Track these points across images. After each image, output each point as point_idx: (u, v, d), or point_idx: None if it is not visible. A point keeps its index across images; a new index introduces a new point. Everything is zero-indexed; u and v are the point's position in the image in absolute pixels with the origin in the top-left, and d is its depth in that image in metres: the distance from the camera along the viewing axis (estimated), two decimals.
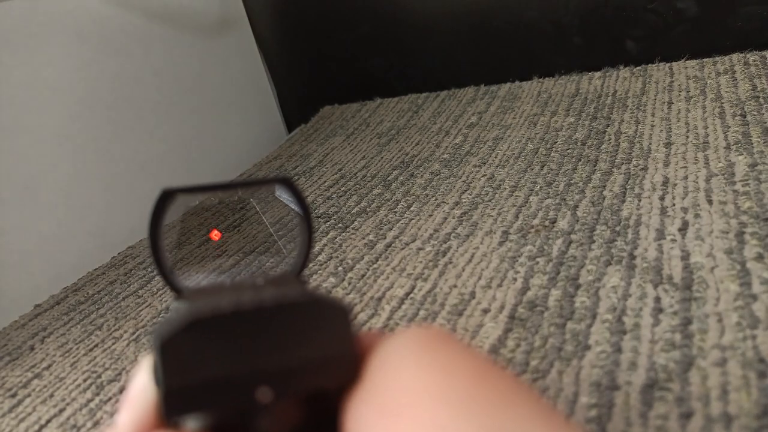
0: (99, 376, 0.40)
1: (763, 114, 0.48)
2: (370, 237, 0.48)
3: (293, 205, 0.18)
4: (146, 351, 0.41)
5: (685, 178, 0.42)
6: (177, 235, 0.57)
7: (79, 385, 0.40)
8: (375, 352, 0.15)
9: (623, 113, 0.57)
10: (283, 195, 0.18)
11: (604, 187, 0.45)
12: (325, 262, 0.46)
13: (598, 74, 0.68)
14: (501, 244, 0.41)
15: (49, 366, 0.43)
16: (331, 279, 0.43)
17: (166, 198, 0.17)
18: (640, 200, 0.41)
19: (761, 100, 0.50)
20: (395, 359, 0.14)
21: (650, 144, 0.49)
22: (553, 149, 0.54)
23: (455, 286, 0.38)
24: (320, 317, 0.14)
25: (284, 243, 0.45)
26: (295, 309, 0.14)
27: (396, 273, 0.42)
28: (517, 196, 0.47)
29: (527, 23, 0.72)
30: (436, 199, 0.51)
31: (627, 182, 0.44)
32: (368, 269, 0.43)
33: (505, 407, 0.12)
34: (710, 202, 0.39)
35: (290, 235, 0.47)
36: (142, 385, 0.15)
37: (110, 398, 0.38)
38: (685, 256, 0.34)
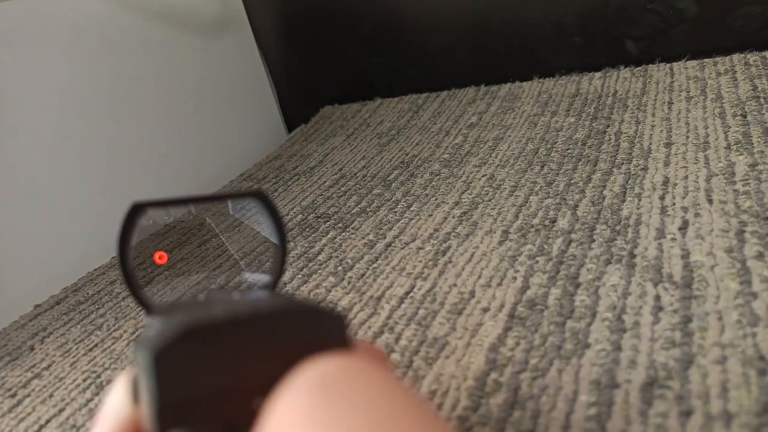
0: (99, 376, 0.40)
1: (764, 114, 0.48)
2: (370, 237, 0.48)
3: (267, 219, 0.18)
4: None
5: (686, 177, 0.42)
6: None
7: (78, 385, 0.40)
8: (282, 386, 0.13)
9: (623, 113, 0.56)
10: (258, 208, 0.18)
11: (605, 186, 0.45)
12: (325, 262, 0.46)
13: (598, 74, 0.68)
14: (501, 243, 0.41)
15: (49, 366, 0.43)
16: (331, 278, 0.43)
17: (136, 211, 0.17)
18: (640, 200, 0.41)
19: (762, 100, 0.50)
20: (285, 398, 0.13)
21: (650, 144, 0.49)
22: (554, 149, 0.54)
23: (455, 285, 0.38)
24: (316, 325, 0.14)
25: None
26: (290, 317, 0.14)
27: (396, 272, 0.42)
28: (517, 195, 0.47)
29: (527, 23, 0.72)
30: (436, 199, 0.51)
31: (627, 182, 0.44)
32: (368, 269, 0.43)
33: None
34: (710, 201, 0.39)
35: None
36: (117, 402, 0.14)
37: None
38: (685, 255, 0.34)
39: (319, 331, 0.14)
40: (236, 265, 0.49)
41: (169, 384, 0.12)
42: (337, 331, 0.14)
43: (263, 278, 0.18)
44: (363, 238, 0.48)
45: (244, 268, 0.44)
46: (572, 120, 0.58)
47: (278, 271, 0.18)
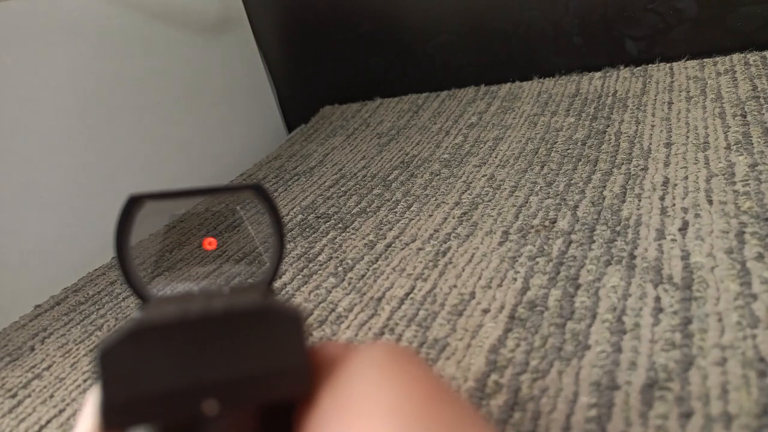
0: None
1: (764, 114, 0.48)
2: (370, 237, 0.48)
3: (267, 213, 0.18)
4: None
5: (686, 178, 0.42)
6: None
7: (79, 386, 0.40)
8: (339, 366, 0.14)
9: (623, 113, 0.56)
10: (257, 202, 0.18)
11: (604, 187, 0.45)
12: (325, 262, 0.46)
13: (598, 74, 0.68)
14: (501, 244, 0.41)
15: (50, 366, 0.43)
16: (331, 279, 0.43)
17: (132, 204, 0.16)
18: (640, 200, 0.41)
19: (761, 100, 0.50)
20: (356, 374, 0.14)
21: (650, 144, 0.49)
22: (554, 149, 0.54)
23: (455, 286, 0.38)
24: (270, 326, 0.14)
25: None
26: (243, 318, 0.13)
27: (396, 273, 0.42)
28: (517, 196, 0.47)
29: (527, 23, 0.72)
30: (436, 199, 0.51)
31: (627, 182, 0.44)
32: (368, 269, 0.43)
33: (454, 428, 0.12)
34: (710, 202, 0.39)
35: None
36: (90, 409, 0.14)
37: None
38: (686, 256, 0.34)
39: (274, 332, 0.14)
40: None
41: (116, 383, 0.12)
42: (294, 332, 0.14)
43: (260, 272, 0.18)
44: (363, 238, 0.48)
45: (245, 263, 0.44)
46: (572, 120, 0.58)
47: (275, 264, 0.18)
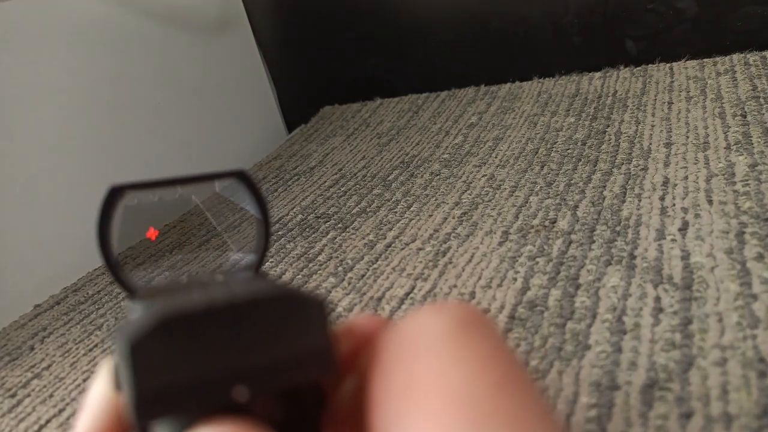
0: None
1: (764, 114, 0.48)
2: (370, 237, 0.48)
3: (250, 200, 0.18)
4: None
5: (686, 178, 0.42)
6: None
7: (78, 386, 0.40)
8: (403, 330, 0.14)
9: (623, 113, 0.56)
10: (240, 189, 0.18)
11: (604, 187, 0.45)
12: (325, 262, 0.46)
13: (598, 74, 0.68)
14: (501, 244, 0.41)
15: (49, 366, 0.43)
16: (331, 279, 0.43)
17: (115, 194, 0.16)
18: (640, 200, 0.41)
19: (761, 100, 0.50)
20: (423, 343, 0.13)
21: (650, 144, 0.49)
22: (553, 149, 0.54)
23: (455, 286, 0.38)
24: (295, 312, 0.14)
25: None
26: (269, 304, 0.14)
27: (396, 273, 0.42)
28: (517, 196, 0.47)
29: (527, 23, 0.72)
30: (436, 199, 0.51)
31: (627, 182, 0.44)
32: (368, 269, 0.43)
33: (524, 424, 0.12)
34: (710, 202, 0.39)
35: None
36: (100, 393, 0.14)
37: None
38: (686, 256, 0.34)
39: (299, 317, 0.14)
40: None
41: (146, 374, 0.12)
42: (318, 316, 0.14)
43: (247, 258, 0.18)
44: (363, 238, 0.48)
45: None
46: (572, 120, 0.58)
47: (262, 250, 0.18)
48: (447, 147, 0.62)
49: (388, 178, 0.58)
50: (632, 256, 0.36)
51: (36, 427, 0.37)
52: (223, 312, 0.13)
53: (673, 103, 0.55)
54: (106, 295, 0.52)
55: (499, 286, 0.37)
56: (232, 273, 0.17)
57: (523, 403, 0.12)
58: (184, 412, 0.13)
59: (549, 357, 0.30)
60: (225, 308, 0.13)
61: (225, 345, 0.13)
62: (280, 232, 0.54)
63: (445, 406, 0.12)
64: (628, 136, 0.52)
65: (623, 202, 0.42)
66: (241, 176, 0.17)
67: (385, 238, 0.47)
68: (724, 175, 0.41)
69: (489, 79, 0.76)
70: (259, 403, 0.13)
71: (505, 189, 0.49)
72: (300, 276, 0.45)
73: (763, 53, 0.59)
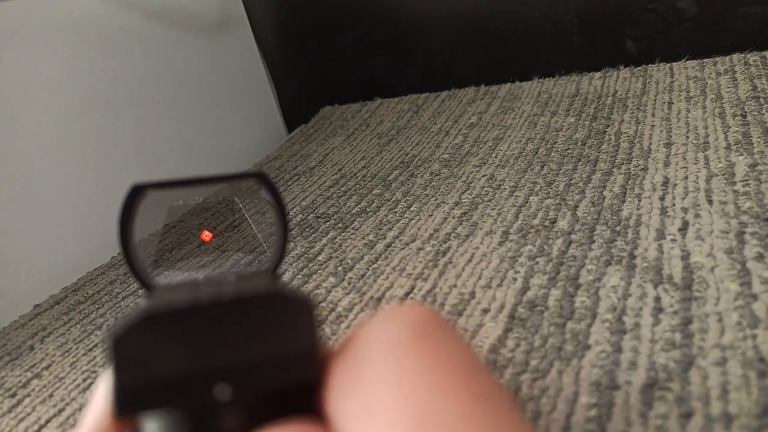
0: (98, 376, 0.40)
1: (764, 114, 0.48)
2: (370, 237, 0.48)
3: (269, 201, 0.18)
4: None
5: (686, 178, 0.42)
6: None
7: (78, 385, 0.40)
8: (363, 333, 0.14)
9: (623, 113, 0.56)
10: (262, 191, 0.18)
11: (604, 187, 0.45)
12: (325, 262, 0.46)
13: (598, 74, 0.68)
14: (501, 244, 0.41)
15: (49, 366, 0.43)
16: (331, 279, 0.43)
17: (136, 193, 0.16)
18: (640, 200, 0.41)
19: (761, 100, 0.50)
20: (382, 346, 0.13)
21: (650, 144, 0.49)
22: (553, 149, 0.54)
23: (455, 285, 0.38)
24: (281, 311, 0.14)
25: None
26: (254, 303, 0.13)
27: (396, 273, 0.42)
28: (517, 196, 0.47)
29: (527, 23, 0.72)
30: (436, 199, 0.51)
31: (627, 182, 0.44)
32: (368, 269, 0.43)
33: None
34: (710, 202, 0.39)
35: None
36: (103, 393, 0.15)
37: None
38: (686, 256, 0.34)
39: (285, 317, 0.14)
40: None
41: (128, 368, 0.13)
42: (305, 317, 0.14)
43: (265, 260, 0.18)
44: (363, 238, 0.48)
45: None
46: (572, 120, 0.58)
47: (279, 252, 0.18)
48: (447, 147, 0.62)
49: (388, 178, 0.58)
50: (632, 256, 0.36)
51: (36, 427, 0.37)
52: (207, 309, 0.13)
53: (673, 103, 0.55)
54: (105, 295, 0.52)
55: (499, 286, 0.37)
56: (246, 273, 0.17)
57: (491, 411, 0.12)
58: (165, 407, 0.13)
59: (549, 357, 0.30)
60: (209, 305, 0.13)
61: (208, 342, 0.13)
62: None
63: (403, 413, 0.12)
64: (628, 136, 0.52)
65: (623, 202, 0.42)
66: (261, 177, 0.17)
67: (385, 238, 0.47)
68: (724, 175, 0.41)
69: (489, 79, 0.76)
70: (240, 404, 0.13)
71: (505, 189, 0.49)
72: (300, 276, 0.45)
73: (763, 53, 0.59)
